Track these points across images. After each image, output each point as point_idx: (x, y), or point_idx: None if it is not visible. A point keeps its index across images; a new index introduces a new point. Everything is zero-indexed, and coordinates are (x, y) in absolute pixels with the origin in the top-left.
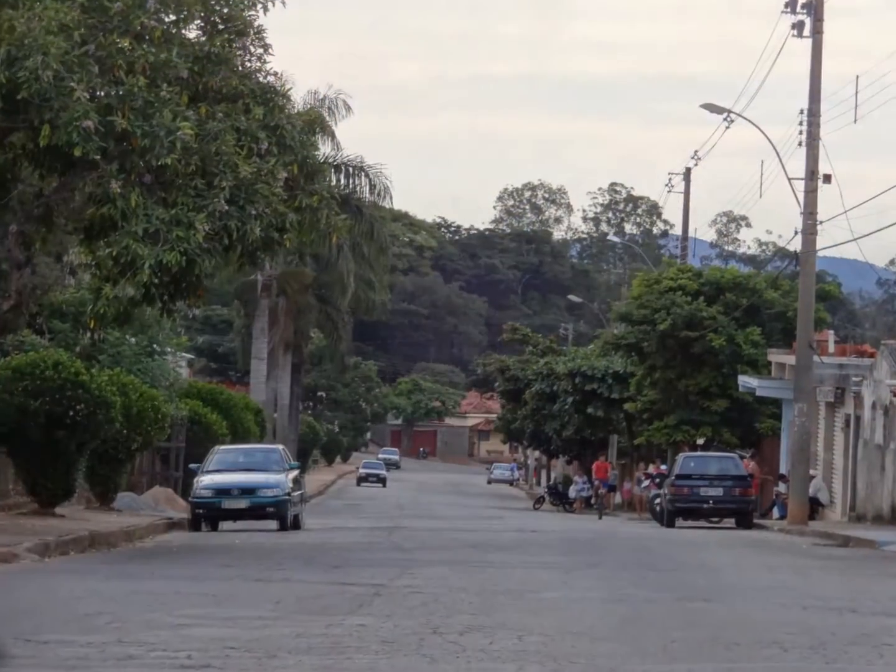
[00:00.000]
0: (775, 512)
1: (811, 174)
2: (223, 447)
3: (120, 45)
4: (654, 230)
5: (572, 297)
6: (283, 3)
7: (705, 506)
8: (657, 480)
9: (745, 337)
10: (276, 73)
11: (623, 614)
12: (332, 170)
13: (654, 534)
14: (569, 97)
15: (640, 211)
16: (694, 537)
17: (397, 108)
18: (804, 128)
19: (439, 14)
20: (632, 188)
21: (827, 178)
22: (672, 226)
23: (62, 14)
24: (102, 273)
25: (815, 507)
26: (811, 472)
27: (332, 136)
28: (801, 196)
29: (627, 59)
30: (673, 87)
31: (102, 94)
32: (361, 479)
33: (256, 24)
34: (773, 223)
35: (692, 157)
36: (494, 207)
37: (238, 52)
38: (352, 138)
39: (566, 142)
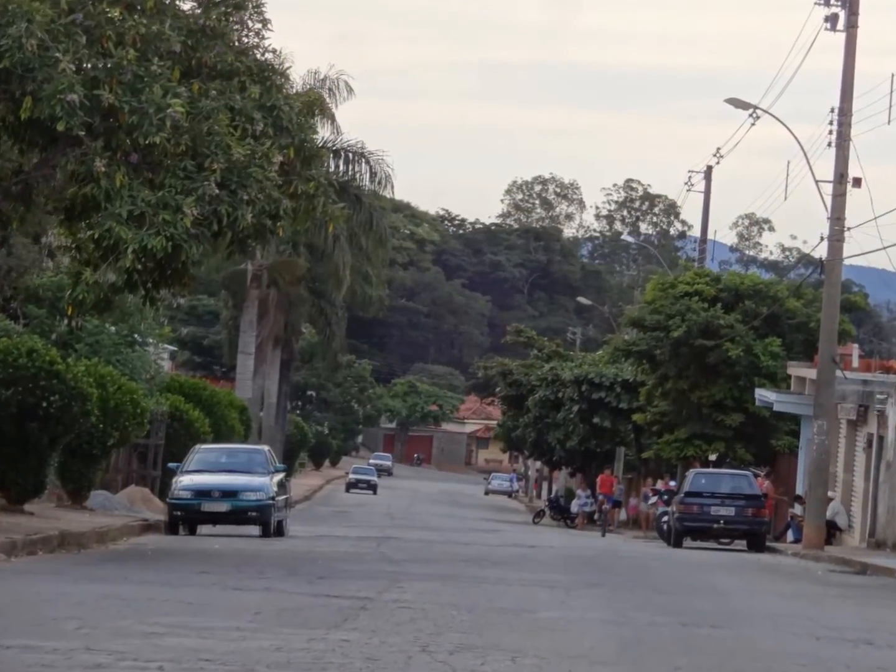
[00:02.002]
0: (790, 535)
1: (840, 177)
2: (205, 446)
3: (109, 15)
4: (671, 231)
5: (582, 299)
6: None
7: (715, 526)
8: (665, 497)
9: (764, 348)
10: (274, 51)
11: (624, 638)
12: (331, 155)
13: (660, 554)
14: (584, 88)
15: (656, 210)
16: (702, 559)
17: (402, 93)
18: (834, 127)
19: None
20: (648, 185)
21: (856, 182)
22: (690, 227)
23: None
24: (83, 256)
25: (832, 532)
26: (829, 493)
27: (332, 119)
28: (828, 200)
29: (646, 51)
30: (694, 82)
31: (89, 66)
32: (351, 485)
33: None
34: (797, 228)
35: (714, 155)
36: (502, 201)
37: (235, 27)
38: (353, 123)
39: (580, 135)
